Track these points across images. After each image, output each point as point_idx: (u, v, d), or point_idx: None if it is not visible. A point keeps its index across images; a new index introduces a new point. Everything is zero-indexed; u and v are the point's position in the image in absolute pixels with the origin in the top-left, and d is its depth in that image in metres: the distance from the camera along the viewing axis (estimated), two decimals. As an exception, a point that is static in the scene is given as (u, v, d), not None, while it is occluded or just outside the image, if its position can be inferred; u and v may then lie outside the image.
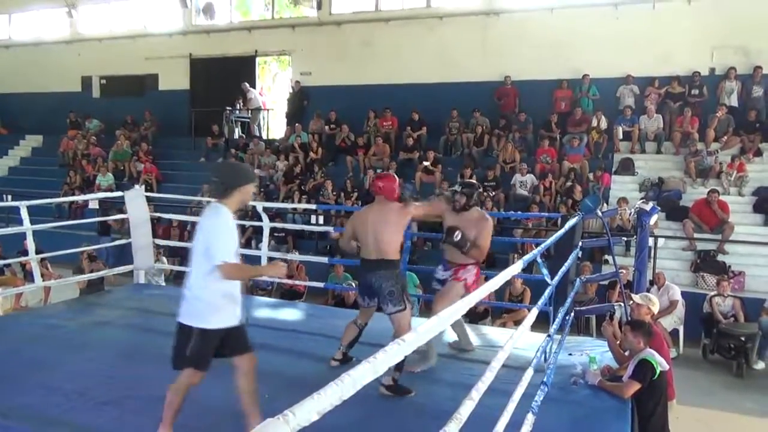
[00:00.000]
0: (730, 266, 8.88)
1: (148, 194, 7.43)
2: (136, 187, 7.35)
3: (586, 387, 4.16)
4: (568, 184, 10.55)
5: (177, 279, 9.89)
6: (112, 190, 12.00)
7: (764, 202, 9.77)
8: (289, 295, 8.83)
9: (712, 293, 7.97)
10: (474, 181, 4.69)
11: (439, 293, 4.58)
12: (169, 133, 15.81)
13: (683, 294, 7.95)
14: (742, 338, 7.30)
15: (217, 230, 2.98)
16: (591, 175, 10.76)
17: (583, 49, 12.18)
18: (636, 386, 3.86)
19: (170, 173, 14.33)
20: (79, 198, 11.08)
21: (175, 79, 16.18)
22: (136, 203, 6.71)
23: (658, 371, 3.87)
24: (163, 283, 8.80)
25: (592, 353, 4.52)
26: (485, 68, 12.97)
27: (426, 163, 11.82)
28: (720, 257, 9.09)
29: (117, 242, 8.52)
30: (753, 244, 9.19)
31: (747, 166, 10.38)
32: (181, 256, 10.58)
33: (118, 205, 7.85)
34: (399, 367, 3.66)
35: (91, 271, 7.78)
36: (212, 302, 3.03)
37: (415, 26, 13.68)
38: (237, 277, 3.10)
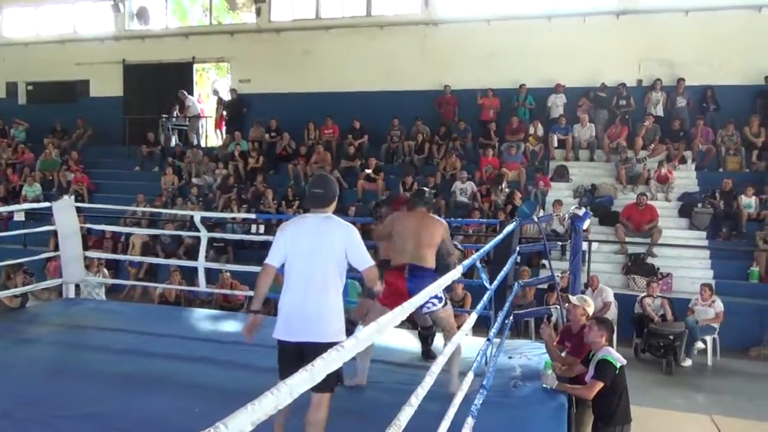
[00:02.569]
0: (658, 268, 9.29)
1: (79, 205, 7.12)
2: (65, 197, 7.03)
3: (524, 390, 4.24)
4: (506, 190, 10.82)
5: (110, 292, 9.52)
6: (39, 201, 11.43)
7: (688, 206, 10.29)
8: (228, 306, 8.63)
9: (643, 294, 8.32)
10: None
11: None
12: (101, 142, 15.21)
13: (615, 296, 8.26)
14: (671, 337, 7.64)
15: (358, 236, 2.97)
16: (531, 186, 11.06)
17: (519, 59, 12.53)
18: (599, 386, 3.97)
19: (102, 183, 13.79)
20: (4, 209, 10.51)
21: (108, 85, 15.61)
22: (66, 214, 6.42)
23: (618, 367, 4.01)
24: (104, 297, 8.46)
25: (546, 358, 4.60)
26: (425, 77, 13.15)
27: (368, 171, 11.86)
28: (649, 260, 9.51)
29: (43, 255, 8.09)
30: (679, 247, 9.67)
31: (673, 173, 10.92)
32: (114, 268, 10.21)
33: (47, 217, 7.49)
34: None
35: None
36: (342, 311, 2.96)
37: (356, 35, 13.73)
38: (374, 282, 3.09)
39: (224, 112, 14.93)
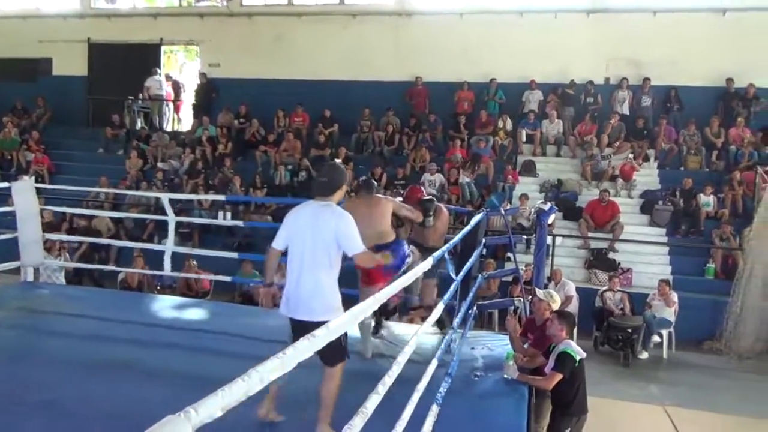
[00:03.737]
0: (619, 263, 9.53)
1: (39, 186, 6.94)
2: (25, 177, 6.84)
3: (486, 380, 4.32)
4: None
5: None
6: (-4, 181, 11.08)
7: (650, 204, 10.57)
8: (191, 294, 8.54)
9: (604, 288, 8.53)
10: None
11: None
12: (63, 122, 14.77)
13: (577, 289, 8.46)
14: (629, 330, 7.87)
15: (352, 223, 3.11)
16: (499, 180, 11.20)
17: (490, 53, 12.62)
18: (558, 377, 4.07)
19: (64, 164, 13.43)
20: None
21: (72, 64, 15.14)
22: (25, 195, 6.24)
23: (577, 360, 4.10)
24: (64, 281, 8.27)
25: (508, 349, 4.68)
26: (397, 68, 13.14)
27: (338, 161, 11.81)
28: (611, 255, 9.74)
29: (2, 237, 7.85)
30: (640, 243, 9.93)
31: (636, 171, 11.17)
32: (73, 251, 9.97)
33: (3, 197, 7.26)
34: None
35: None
36: (336, 292, 3.13)
37: (328, 23, 13.62)
38: (369, 263, 3.34)
39: (181, 96, 14.78)
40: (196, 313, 6.27)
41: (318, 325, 1.67)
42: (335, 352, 2.91)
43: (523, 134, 12.18)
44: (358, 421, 1.63)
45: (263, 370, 1.10)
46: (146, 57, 14.75)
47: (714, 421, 6.13)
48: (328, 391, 3.08)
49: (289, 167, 12.04)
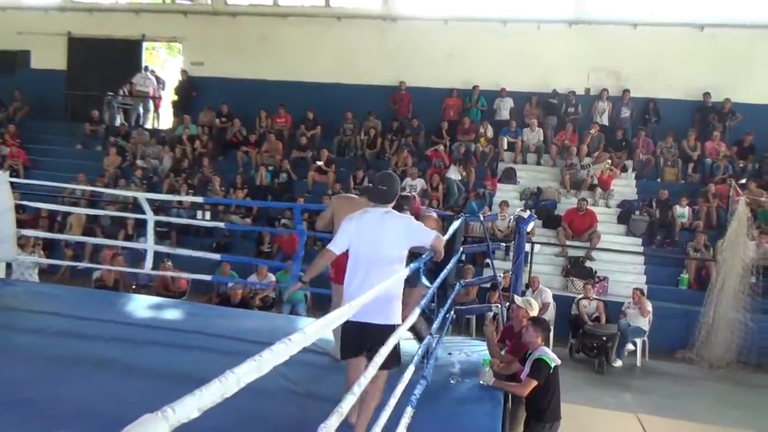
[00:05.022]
0: (596, 272, 9.65)
1: (13, 180, 6.82)
2: (0, 172, 6.72)
3: (462, 385, 4.35)
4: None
5: (46, 273, 9.16)
6: (-30, 175, 10.86)
7: (627, 214, 10.72)
8: (168, 294, 8.45)
9: (580, 296, 8.63)
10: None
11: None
12: (41, 116, 14.53)
13: (554, 297, 8.54)
14: (604, 338, 7.96)
15: (416, 223, 3.37)
16: (479, 187, 11.28)
17: (474, 61, 12.73)
18: (533, 384, 4.10)
19: (40, 159, 13.21)
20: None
21: (51, 57, 14.91)
22: (-1, 190, 6.13)
23: (552, 367, 4.14)
24: (37, 279, 8.12)
25: (484, 355, 4.70)
26: (381, 72, 13.17)
27: (319, 163, 11.81)
28: (588, 263, 9.86)
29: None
30: (616, 252, 10.06)
31: (614, 181, 11.33)
32: (49, 248, 9.81)
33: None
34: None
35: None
36: (400, 297, 3.23)
37: (313, 24, 13.62)
38: (442, 246, 3.46)
39: (162, 94, 14.67)
40: (171, 314, 6.21)
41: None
42: (393, 355, 2.96)
43: (505, 142, 12.28)
44: (334, 421, 1.63)
45: (240, 372, 1.10)
46: (127, 53, 14.61)
47: (684, 429, 6.23)
48: (374, 397, 3.08)
49: (270, 168, 11.99)
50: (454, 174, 11.29)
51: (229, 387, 1.07)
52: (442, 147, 12.01)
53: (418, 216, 4.39)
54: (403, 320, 3.08)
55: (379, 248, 3.16)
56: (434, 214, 4.61)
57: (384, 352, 2.35)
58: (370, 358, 2.97)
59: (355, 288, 3.15)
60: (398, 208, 3.93)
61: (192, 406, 0.96)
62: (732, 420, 6.46)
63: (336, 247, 3.32)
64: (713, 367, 8.10)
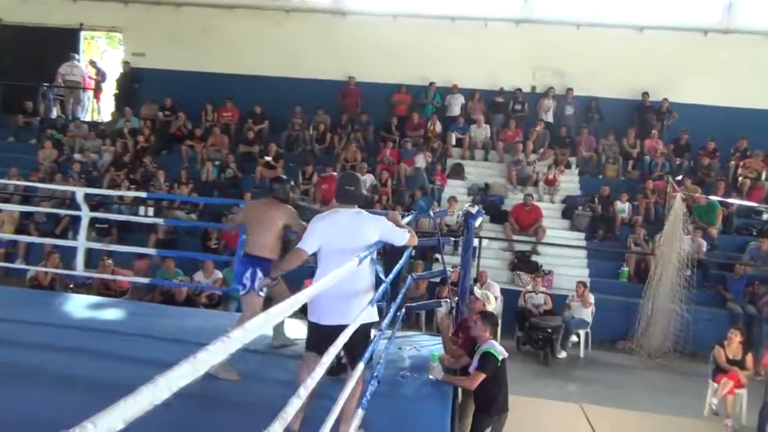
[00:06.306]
0: (541, 266, 9.85)
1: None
2: None
3: (412, 381, 4.34)
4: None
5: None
6: None
7: (571, 209, 10.99)
8: (109, 293, 8.13)
9: (527, 288, 8.79)
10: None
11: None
12: (-31, 107, 13.75)
13: (502, 291, 8.65)
14: (549, 330, 8.14)
15: (388, 223, 3.37)
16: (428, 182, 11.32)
17: (423, 57, 12.76)
18: (482, 377, 4.12)
19: (-31, 153, 12.49)
20: None
21: (-20, 45, 14.14)
22: None
23: (500, 359, 4.17)
24: None
25: (434, 350, 4.70)
26: (330, 66, 13.04)
27: (267, 158, 11.61)
28: (534, 257, 10.05)
29: None
30: (561, 246, 10.30)
31: (558, 177, 11.59)
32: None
33: None
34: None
35: None
36: (370, 297, 3.26)
37: (261, 17, 13.36)
38: (415, 240, 3.56)
39: (102, 85, 14.10)
40: (111, 314, 5.97)
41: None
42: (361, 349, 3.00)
43: (453, 138, 12.38)
44: (278, 427, 1.57)
45: (172, 377, 1.02)
46: (64, 42, 13.97)
47: (626, 418, 6.43)
48: (353, 397, 2.99)
49: (217, 163, 11.71)
50: (420, 162, 11.29)
51: (159, 393, 0.99)
52: (390, 144, 11.98)
53: (328, 201, 4.31)
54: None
55: (352, 249, 3.13)
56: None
57: (334, 351, 2.30)
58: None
59: (328, 290, 3.02)
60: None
61: (117, 418, 0.88)
62: (671, 408, 6.71)
63: (307, 246, 3.30)
64: (652, 356, 8.40)
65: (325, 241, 3.27)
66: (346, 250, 3.13)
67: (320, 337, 3.13)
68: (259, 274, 4.07)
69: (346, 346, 2.83)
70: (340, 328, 2.72)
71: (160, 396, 0.98)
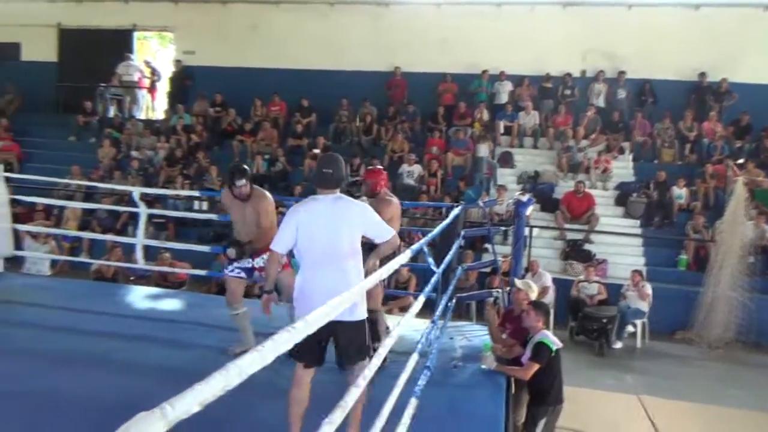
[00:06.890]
0: (595, 254, 9.64)
1: (8, 175, 6.75)
2: (-5, 166, 6.65)
3: (465, 370, 4.34)
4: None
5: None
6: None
7: (624, 196, 10.70)
8: (167, 284, 8.40)
9: (579, 279, 8.63)
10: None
11: None
12: (32, 109, 14.37)
13: (554, 280, 8.53)
14: (604, 320, 7.96)
15: (373, 213, 3.03)
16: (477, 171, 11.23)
17: (468, 45, 12.62)
18: (536, 367, 4.10)
19: (34, 152, 13.09)
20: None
21: (41, 49, 14.75)
22: (-7, 184, 6.07)
23: (554, 350, 4.13)
24: (48, 272, 8.11)
25: (485, 340, 4.69)
26: (375, 58, 13.06)
27: (316, 151, 11.73)
28: (586, 246, 9.85)
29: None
30: (615, 234, 10.05)
31: (611, 163, 11.30)
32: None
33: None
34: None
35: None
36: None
37: (305, 11, 13.47)
38: (392, 249, 3.10)
39: (157, 83, 14.51)
40: (170, 304, 6.19)
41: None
42: (364, 347, 2.89)
43: (501, 126, 12.22)
44: (338, 415, 1.61)
45: (242, 364, 1.06)
46: (118, 43, 14.44)
47: (685, 409, 6.24)
48: (361, 399, 2.88)
49: (266, 157, 11.91)
50: (483, 151, 11.22)
51: (230, 379, 1.03)
52: (437, 134, 11.92)
53: (375, 194, 4.25)
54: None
55: (335, 239, 2.87)
56: (395, 200, 4.29)
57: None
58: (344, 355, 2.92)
59: (311, 282, 2.91)
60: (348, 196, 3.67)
61: (193, 401, 0.92)
62: (732, 400, 6.48)
63: (280, 245, 3.00)
64: (712, 347, 8.12)
65: (303, 233, 2.91)
66: (329, 241, 2.87)
67: (314, 337, 2.99)
68: None
69: (349, 343, 2.83)
70: (339, 324, 2.61)
71: (232, 382, 1.02)
